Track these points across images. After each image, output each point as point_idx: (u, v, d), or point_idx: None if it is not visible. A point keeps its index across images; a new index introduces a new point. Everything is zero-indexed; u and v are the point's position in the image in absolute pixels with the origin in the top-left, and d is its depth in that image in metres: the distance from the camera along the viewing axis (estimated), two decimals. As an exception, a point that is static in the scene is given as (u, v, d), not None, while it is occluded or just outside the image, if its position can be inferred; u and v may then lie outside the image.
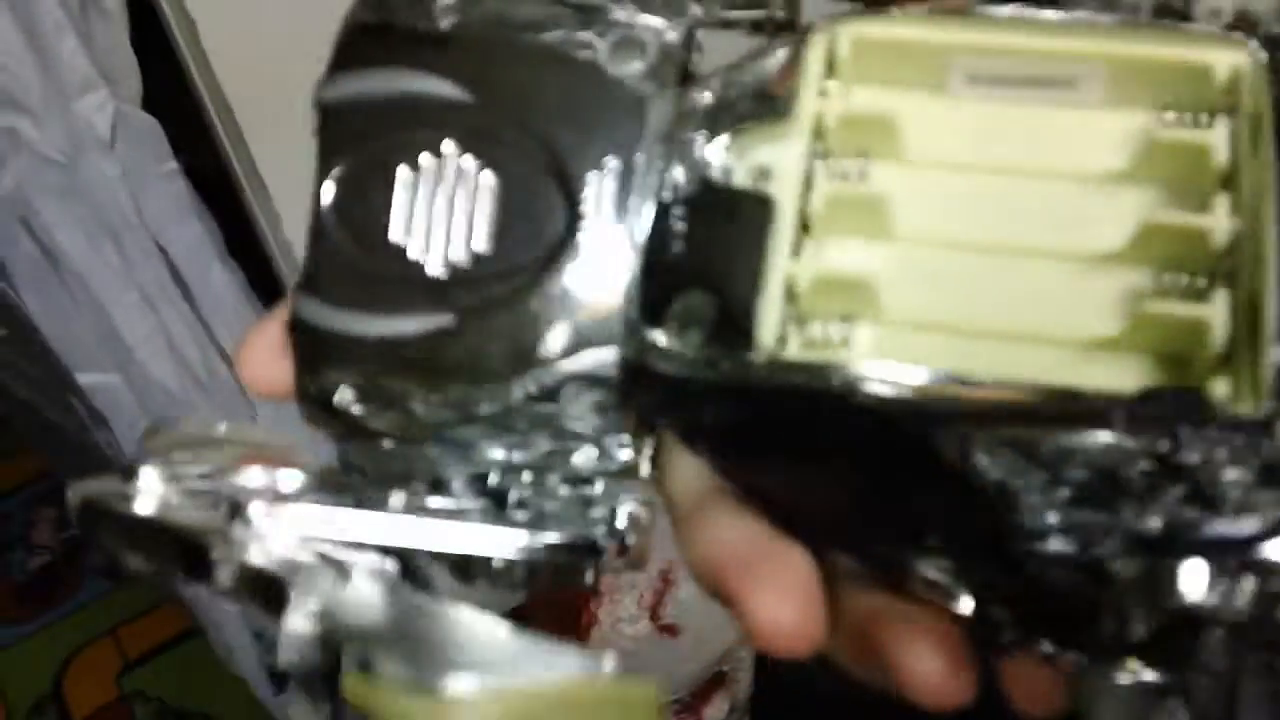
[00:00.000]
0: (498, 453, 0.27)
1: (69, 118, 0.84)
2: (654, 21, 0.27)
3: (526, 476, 0.27)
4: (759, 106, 0.26)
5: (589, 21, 0.27)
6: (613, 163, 0.26)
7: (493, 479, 0.27)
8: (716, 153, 0.26)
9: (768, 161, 0.26)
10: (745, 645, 1.25)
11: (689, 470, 0.28)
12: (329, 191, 0.27)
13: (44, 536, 1.71)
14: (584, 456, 0.27)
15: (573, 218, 0.26)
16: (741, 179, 0.26)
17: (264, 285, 1.00)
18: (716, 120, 0.26)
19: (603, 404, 0.26)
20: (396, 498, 0.26)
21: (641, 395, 0.26)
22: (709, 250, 0.25)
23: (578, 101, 0.27)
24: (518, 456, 0.27)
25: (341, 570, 0.23)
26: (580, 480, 0.27)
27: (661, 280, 0.26)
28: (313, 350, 0.27)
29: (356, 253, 0.27)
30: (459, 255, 0.26)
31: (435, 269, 0.26)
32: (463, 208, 0.27)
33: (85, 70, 0.84)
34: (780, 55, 0.27)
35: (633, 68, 0.27)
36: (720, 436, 0.27)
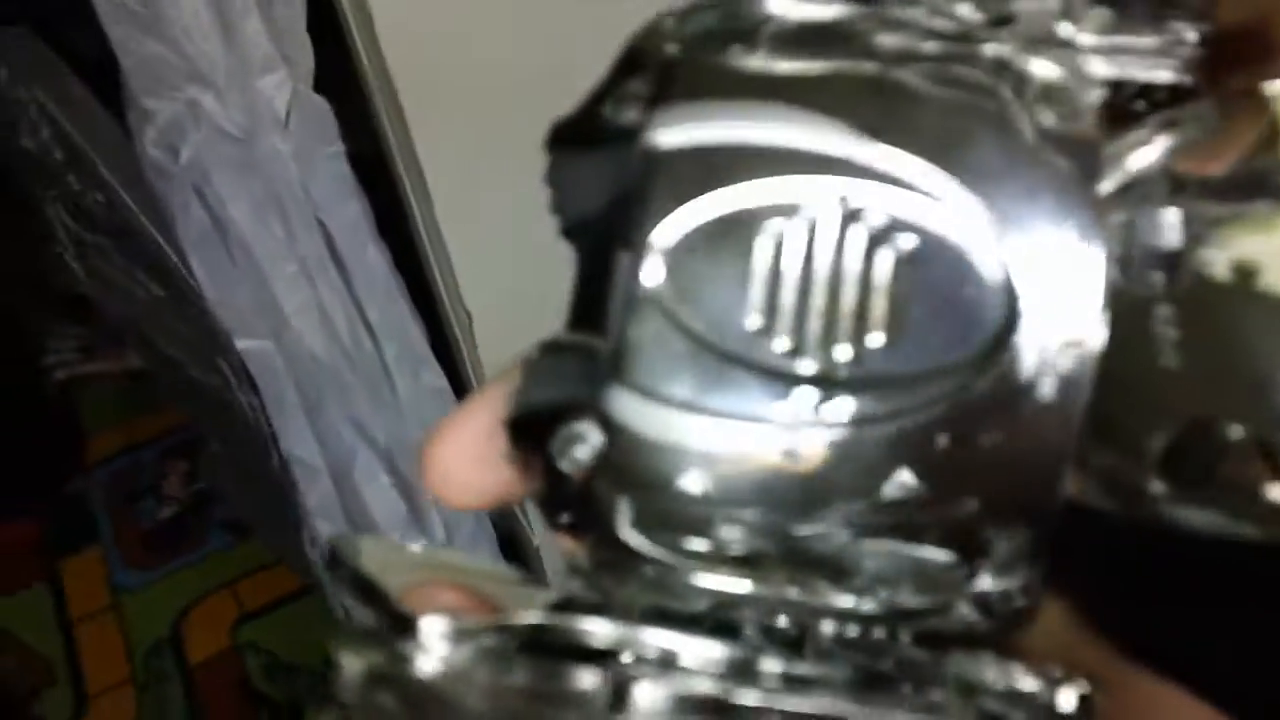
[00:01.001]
0: (843, 599, 0.21)
1: (249, 95, 0.89)
2: (1053, 67, 0.21)
3: (854, 628, 0.22)
4: (1240, 183, 0.21)
5: (967, 57, 0.22)
6: (1053, 236, 0.20)
7: (825, 629, 0.22)
8: (1174, 231, 0.21)
9: (1253, 255, 0.21)
10: None
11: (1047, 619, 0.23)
12: (657, 259, 0.21)
13: (174, 488, 1.78)
14: (964, 610, 0.21)
15: (1012, 309, 0.20)
16: (1221, 273, 0.21)
17: (407, 268, 1.04)
18: (1156, 190, 0.21)
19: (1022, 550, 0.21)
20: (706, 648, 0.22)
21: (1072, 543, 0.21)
22: (1215, 365, 0.21)
23: (1007, 157, 0.21)
24: (867, 606, 0.21)
25: None
26: (940, 638, 0.21)
27: (1140, 405, 0.21)
28: (627, 459, 0.21)
29: (693, 339, 0.21)
30: (843, 350, 0.21)
31: (809, 365, 0.21)
32: (854, 284, 0.21)
33: (267, 50, 0.89)
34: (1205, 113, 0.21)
35: (1056, 119, 0.21)
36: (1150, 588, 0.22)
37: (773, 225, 0.21)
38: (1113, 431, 0.21)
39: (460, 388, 1.08)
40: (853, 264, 0.20)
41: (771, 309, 0.21)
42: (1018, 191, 0.20)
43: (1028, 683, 0.21)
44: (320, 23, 0.94)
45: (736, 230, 0.21)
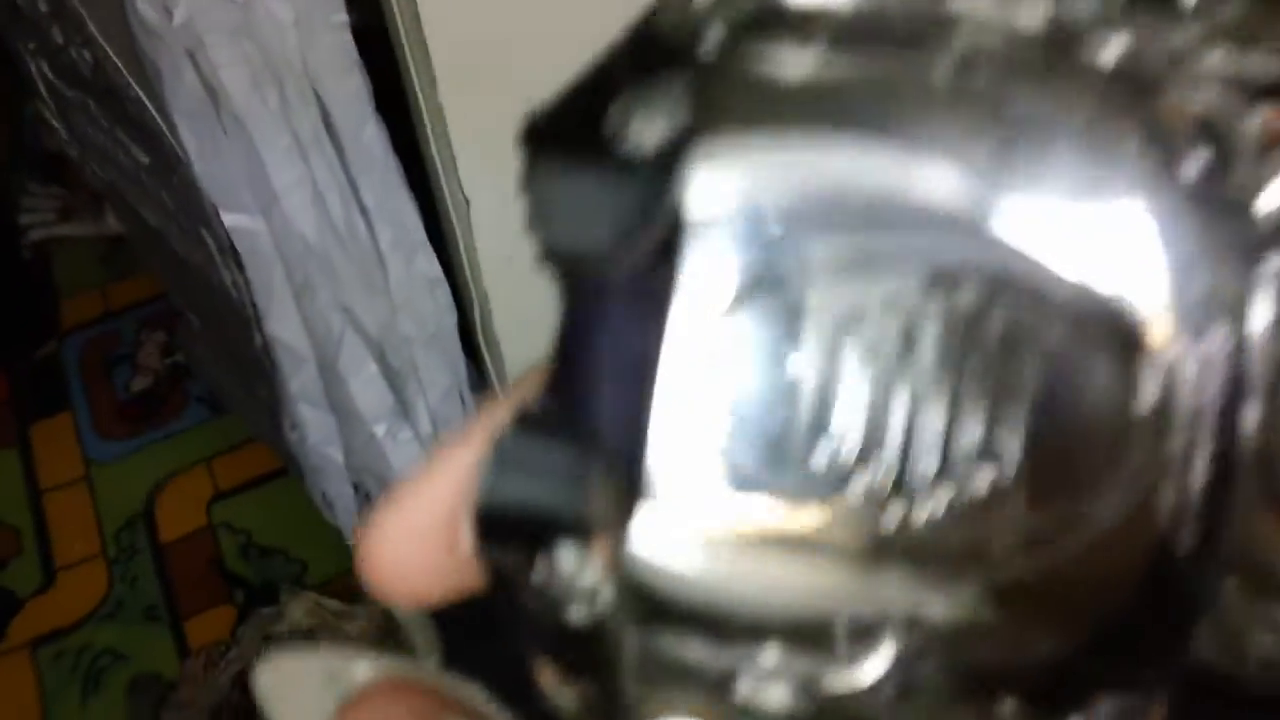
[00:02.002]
0: None
1: (249, -45, 0.84)
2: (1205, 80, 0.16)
3: None
4: None
5: (1086, 69, 0.16)
6: (1213, 345, 0.16)
7: None
8: None
9: None
10: None
11: None
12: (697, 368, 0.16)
13: (150, 359, 1.75)
14: None
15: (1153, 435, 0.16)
16: None
17: (404, 150, 0.99)
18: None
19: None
20: None
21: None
22: None
23: (1151, 222, 0.16)
24: None
25: None
26: None
27: None
28: (641, 628, 0.17)
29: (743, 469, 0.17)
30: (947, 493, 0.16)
31: (902, 514, 0.16)
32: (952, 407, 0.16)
33: (270, -91, 0.84)
34: None
35: (1207, 168, 0.16)
36: None
37: (847, 328, 0.16)
38: (1243, 585, 0.16)
39: (454, 277, 1.04)
40: (956, 378, 0.16)
41: (850, 439, 0.16)
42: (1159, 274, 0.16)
43: None
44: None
45: (801, 331, 0.16)
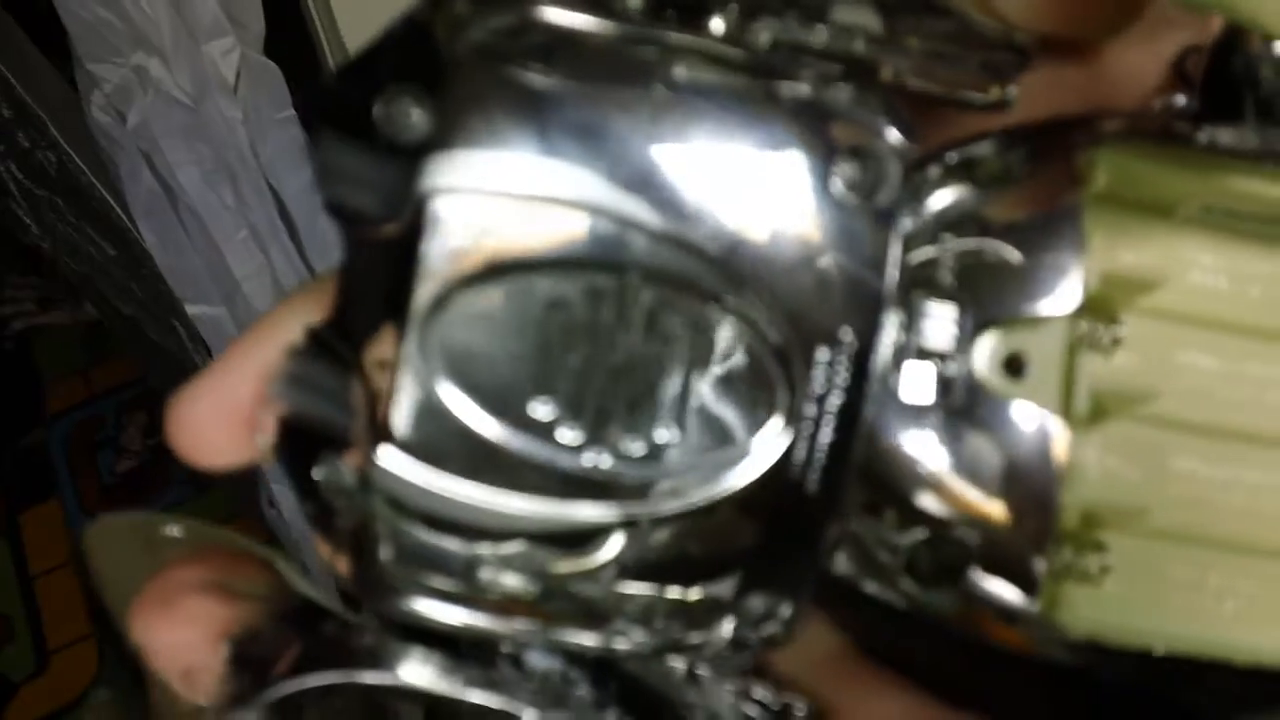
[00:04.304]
0: (597, 640, 0.21)
1: (197, 60, 0.88)
2: (858, 109, 0.20)
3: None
4: (1041, 224, 0.21)
5: (764, 96, 0.20)
6: (848, 336, 0.20)
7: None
8: (944, 327, 0.21)
9: (1022, 347, 0.21)
10: None
11: (820, 641, 0.25)
12: (429, 338, 0.20)
13: (133, 440, 1.77)
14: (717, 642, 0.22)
15: (795, 409, 0.20)
16: (984, 372, 0.21)
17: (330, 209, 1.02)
18: (934, 270, 0.21)
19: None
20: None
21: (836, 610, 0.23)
22: (981, 478, 0.21)
23: (800, 232, 0.20)
24: (620, 645, 0.21)
25: None
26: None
27: (899, 503, 0.21)
28: (388, 507, 0.20)
29: (475, 418, 0.20)
30: (633, 443, 0.20)
31: (596, 459, 0.20)
32: (643, 375, 0.20)
33: (215, 15, 0.88)
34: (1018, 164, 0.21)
35: (860, 187, 0.20)
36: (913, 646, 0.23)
37: (556, 302, 0.20)
38: (870, 521, 0.21)
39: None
40: (643, 345, 0.20)
41: (561, 396, 0.20)
42: (806, 281, 0.20)
43: (759, 693, 0.22)
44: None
45: (518, 304, 0.20)
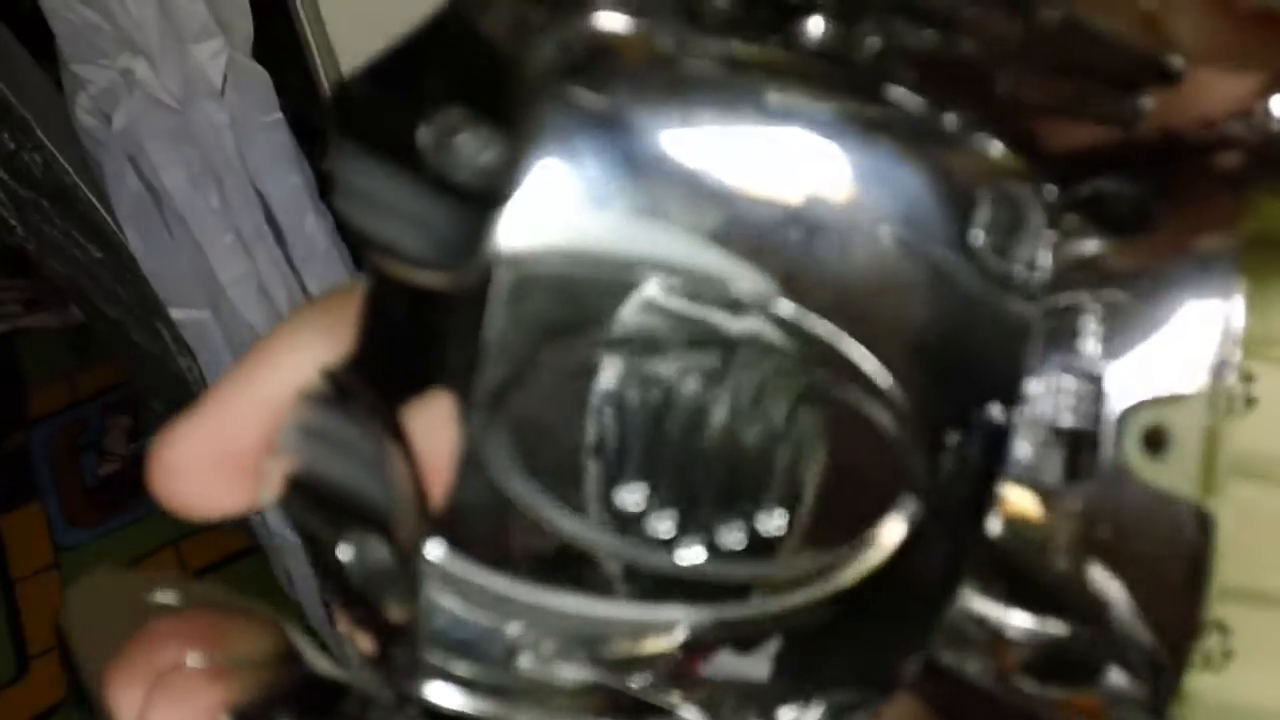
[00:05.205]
0: None
1: (184, 63, 0.87)
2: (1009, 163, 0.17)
3: None
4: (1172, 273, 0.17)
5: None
6: (991, 413, 0.17)
7: None
8: (1084, 406, 0.17)
9: (1163, 420, 0.17)
10: None
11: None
12: (505, 415, 0.17)
13: (116, 444, 1.77)
14: None
15: (920, 497, 0.18)
16: (1129, 449, 0.17)
17: (347, 238, 1.02)
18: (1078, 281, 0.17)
19: None
20: None
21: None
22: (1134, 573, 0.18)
23: (936, 299, 0.17)
24: None
25: None
26: None
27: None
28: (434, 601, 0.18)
29: (548, 511, 0.17)
30: (732, 534, 0.18)
31: (690, 555, 0.17)
32: (747, 459, 0.17)
33: (203, 18, 0.87)
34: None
35: (1015, 264, 0.17)
36: None
37: (648, 380, 0.17)
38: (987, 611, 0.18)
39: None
40: (748, 425, 0.17)
41: (652, 484, 0.17)
42: (938, 355, 0.17)
43: None
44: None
45: (604, 382, 0.17)
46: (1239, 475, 0.18)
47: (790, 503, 0.17)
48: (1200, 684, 0.18)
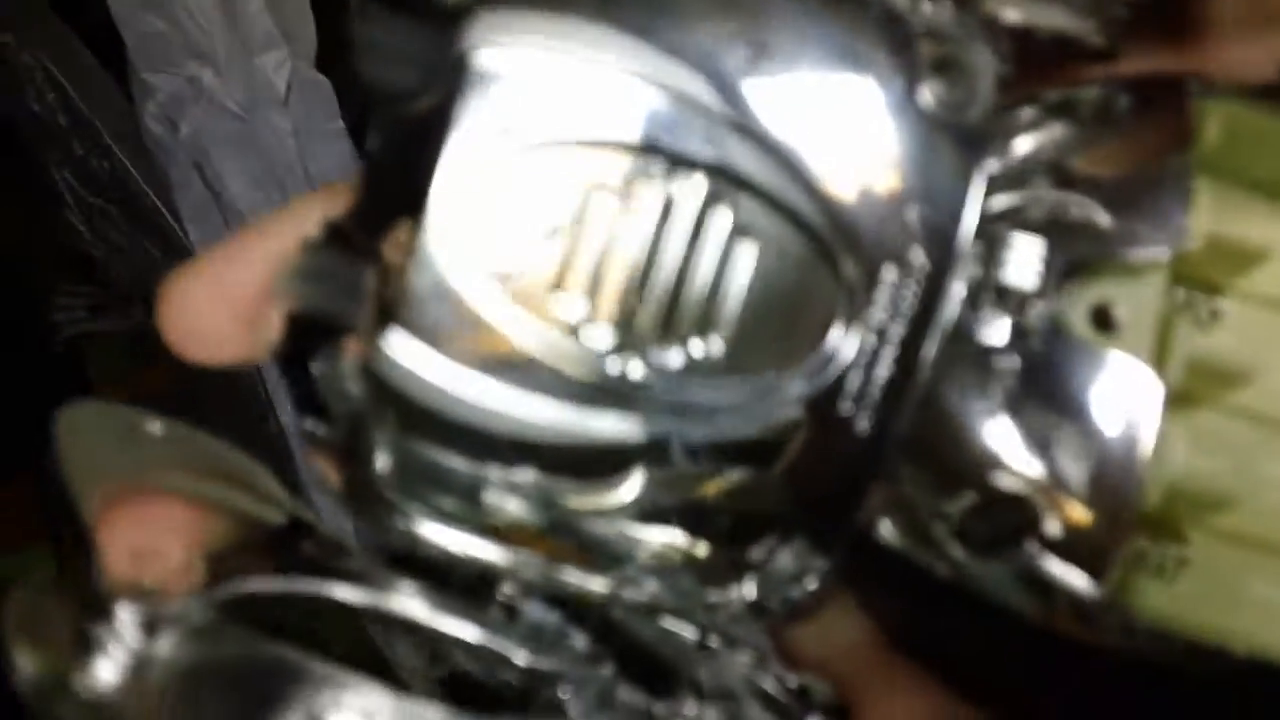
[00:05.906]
0: (603, 585, 0.19)
1: (249, 72, 0.89)
2: (951, 21, 0.18)
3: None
4: (1135, 185, 0.18)
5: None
6: (919, 259, 0.18)
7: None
8: (1029, 263, 0.18)
9: (1111, 297, 0.18)
10: None
11: (848, 626, 0.23)
12: (460, 204, 0.18)
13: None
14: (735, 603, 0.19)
15: (852, 332, 0.18)
16: (1077, 322, 0.18)
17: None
18: (1023, 219, 0.18)
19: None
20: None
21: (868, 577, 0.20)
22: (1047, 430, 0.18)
23: (877, 141, 0.18)
24: (629, 594, 0.19)
25: None
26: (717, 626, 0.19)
27: (955, 459, 0.19)
28: (395, 406, 0.19)
29: (495, 307, 0.18)
30: (669, 353, 0.18)
31: (624, 366, 0.18)
32: (686, 278, 0.18)
33: (268, 28, 0.89)
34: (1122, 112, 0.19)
35: (948, 102, 0.18)
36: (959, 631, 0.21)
37: (598, 183, 0.18)
38: (921, 478, 0.19)
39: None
40: (690, 243, 0.18)
41: (589, 293, 0.18)
42: (878, 193, 0.18)
43: (775, 669, 0.19)
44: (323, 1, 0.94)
45: (555, 179, 0.18)
46: (1200, 391, 0.18)
47: (724, 326, 0.18)
48: (1149, 587, 0.18)
